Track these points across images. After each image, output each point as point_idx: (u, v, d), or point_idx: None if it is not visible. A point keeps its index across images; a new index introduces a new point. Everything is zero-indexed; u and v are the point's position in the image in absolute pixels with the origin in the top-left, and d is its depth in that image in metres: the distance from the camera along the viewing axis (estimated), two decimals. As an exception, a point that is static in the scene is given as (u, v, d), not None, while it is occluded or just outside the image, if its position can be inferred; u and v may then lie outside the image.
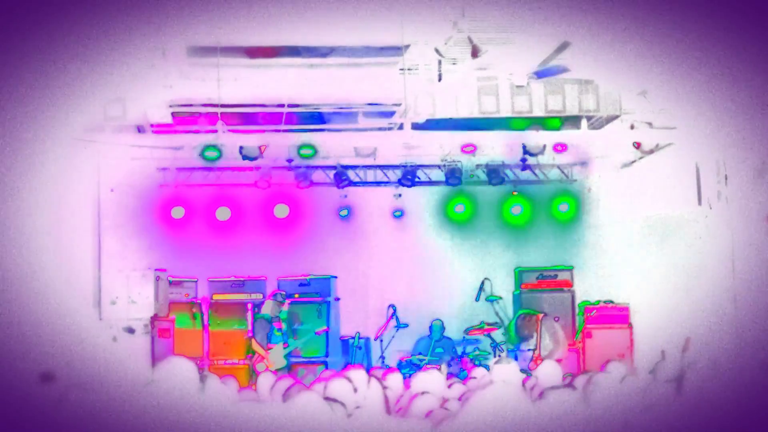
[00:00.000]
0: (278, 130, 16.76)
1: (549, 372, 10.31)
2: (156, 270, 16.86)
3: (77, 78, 12.27)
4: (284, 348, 17.36)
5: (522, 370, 16.18)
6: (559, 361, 15.68)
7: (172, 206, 18.83)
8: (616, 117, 15.86)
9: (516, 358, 17.37)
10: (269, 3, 12.09)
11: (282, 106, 16.06)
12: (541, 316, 17.34)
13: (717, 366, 8.60)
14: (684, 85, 13.07)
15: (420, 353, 18.13)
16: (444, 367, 15.68)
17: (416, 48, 13.96)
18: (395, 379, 10.84)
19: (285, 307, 17.71)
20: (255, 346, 17.41)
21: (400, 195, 19.81)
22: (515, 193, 19.79)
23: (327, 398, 6.24)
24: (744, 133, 13.01)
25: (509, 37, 13.38)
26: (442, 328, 18.48)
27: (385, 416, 7.88)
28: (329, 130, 16.86)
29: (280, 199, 19.25)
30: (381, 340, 18.32)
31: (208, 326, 18.34)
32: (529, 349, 17.75)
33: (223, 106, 14.78)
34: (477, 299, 18.43)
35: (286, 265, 19.29)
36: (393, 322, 18.36)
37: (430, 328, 18.46)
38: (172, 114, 15.85)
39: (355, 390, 8.30)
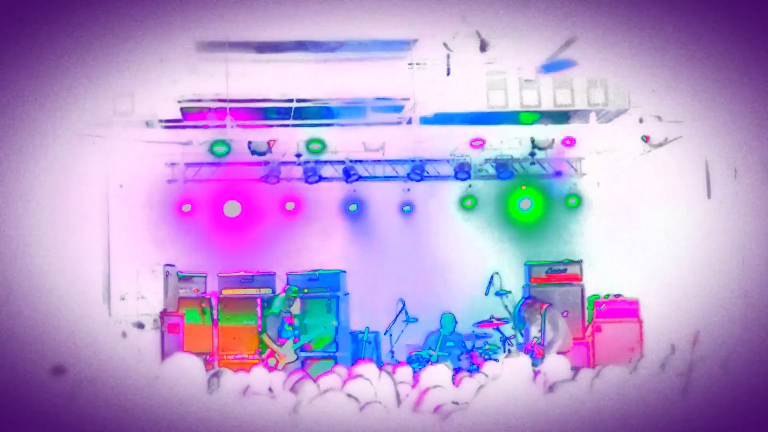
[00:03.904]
0: (287, 125, 16.78)
1: (557, 366, 10.30)
2: (165, 265, 16.90)
3: (86, 73, 12.28)
4: (295, 342, 17.38)
5: (529, 353, 16.23)
6: (565, 353, 15.70)
7: (180, 202, 18.84)
8: (625, 111, 15.85)
9: (525, 351, 17.39)
10: (277, -2, 12.10)
11: (291, 101, 16.07)
12: (545, 305, 17.29)
13: (726, 360, 8.59)
14: (693, 78, 13.05)
15: (430, 347, 18.14)
16: (449, 362, 15.68)
17: (425, 42, 13.96)
18: (405, 374, 10.85)
19: (297, 302, 17.73)
20: (266, 341, 17.42)
21: (408, 189, 19.80)
22: (524, 187, 19.78)
23: (340, 393, 6.25)
24: (754, 127, 12.99)
25: (518, 32, 13.36)
26: (455, 321, 18.50)
27: (395, 410, 7.88)
28: (338, 124, 16.88)
29: (288, 194, 19.27)
30: (390, 335, 18.33)
31: (217, 321, 18.36)
32: (534, 337, 17.75)
33: (231, 101, 14.80)
34: (486, 293, 18.40)
35: (296, 259, 19.31)
36: (402, 317, 18.37)
37: (441, 321, 18.46)
38: (181, 109, 15.86)
39: (368, 385, 8.32)
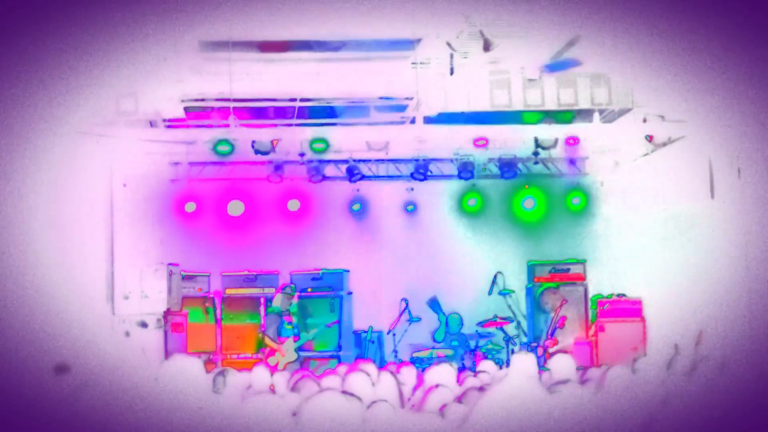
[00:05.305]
0: (290, 125, 16.77)
1: (563, 365, 10.30)
2: (169, 264, 16.90)
3: (89, 72, 12.29)
4: (295, 341, 17.37)
5: (534, 350, 16.25)
6: (569, 352, 15.70)
7: (184, 201, 18.85)
8: (629, 110, 15.84)
9: (528, 346, 17.42)
10: (281, -3, 12.10)
11: (294, 100, 16.06)
12: (565, 301, 17.31)
13: (730, 359, 8.58)
14: (697, 77, 13.04)
15: (434, 347, 18.15)
16: (454, 362, 15.66)
17: (428, 42, 13.94)
18: (409, 373, 10.84)
19: (295, 300, 17.73)
20: (267, 341, 17.42)
21: (412, 189, 19.80)
22: (527, 186, 19.79)
23: (343, 392, 6.24)
24: (757, 126, 12.98)
25: (521, 31, 13.35)
26: (461, 323, 18.49)
27: (399, 411, 7.87)
28: (341, 124, 16.87)
29: (292, 193, 19.28)
30: (394, 334, 18.32)
31: (220, 321, 18.37)
32: (541, 330, 17.79)
33: (235, 100, 14.79)
34: (490, 293, 18.42)
35: (299, 259, 19.32)
36: (406, 316, 18.37)
37: (447, 320, 18.45)
38: (185, 108, 15.86)
39: (372, 384, 8.31)
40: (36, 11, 10.76)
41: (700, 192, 15.49)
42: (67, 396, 6.49)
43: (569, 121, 16.50)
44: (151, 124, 15.97)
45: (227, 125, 15.04)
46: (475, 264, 19.89)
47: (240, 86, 14.61)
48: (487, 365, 12.23)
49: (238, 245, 19.42)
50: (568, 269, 18.83)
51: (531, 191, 19.87)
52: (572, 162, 19.97)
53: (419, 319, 18.44)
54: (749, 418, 6.87)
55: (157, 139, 16.42)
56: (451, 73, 14.66)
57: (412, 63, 14.63)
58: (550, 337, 17.24)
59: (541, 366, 11.98)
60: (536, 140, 16.45)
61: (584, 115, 16.14)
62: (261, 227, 19.63)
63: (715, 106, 13.58)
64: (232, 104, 14.79)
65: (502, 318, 18.03)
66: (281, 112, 16.72)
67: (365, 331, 18.64)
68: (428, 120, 15.72)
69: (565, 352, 15.38)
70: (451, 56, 14.41)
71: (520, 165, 19.33)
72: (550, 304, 17.39)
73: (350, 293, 18.99)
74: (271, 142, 15.78)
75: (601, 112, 15.88)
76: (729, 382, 7.63)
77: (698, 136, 15.17)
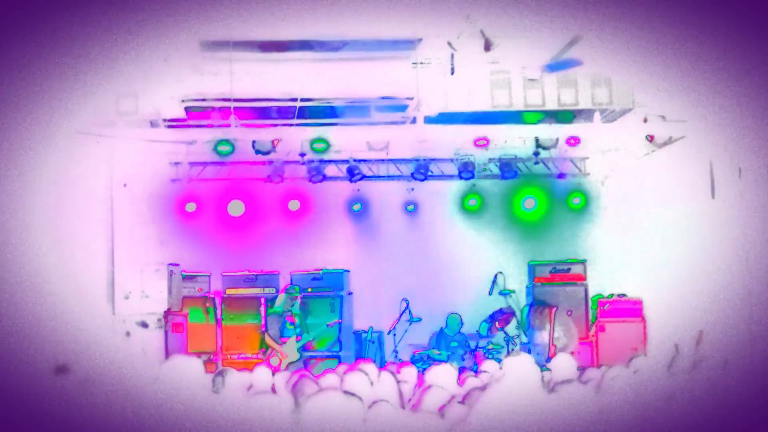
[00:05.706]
0: (291, 125, 16.77)
1: (563, 365, 10.30)
2: (169, 264, 16.89)
3: (90, 73, 12.28)
4: (297, 342, 17.37)
5: (537, 362, 16.24)
6: (572, 353, 15.71)
7: (184, 201, 18.85)
8: (630, 110, 15.83)
9: (529, 352, 17.38)
10: (281, -3, 12.09)
11: (295, 100, 16.05)
12: (554, 309, 17.30)
13: (730, 359, 8.58)
14: (697, 77, 13.03)
15: (434, 347, 18.12)
16: (455, 363, 15.64)
17: (428, 42, 13.94)
18: (410, 373, 10.83)
19: (298, 301, 17.74)
20: (268, 341, 17.42)
21: (412, 189, 19.81)
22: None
23: (344, 392, 6.24)
24: (758, 127, 12.97)
25: (522, 31, 13.33)
26: (461, 323, 18.47)
27: (399, 411, 7.87)
28: (342, 124, 16.86)
29: (292, 193, 19.29)
30: (394, 334, 18.31)
31: (221, 321, 18.37)
32: (540, 343, 17.76)
33: (236, 100, 14.78)
34: (490, 293, 18.41)
35: (299, 259, 19.32)
36: (406, 316, 18.35)
37: (447, 321, 18.43)
38: (185, 108, 15.85)
39: (371, 384, 8.31)
40: (36, 11, 10.76)
41: (700, 192, 15.48)
42: (68, 396, 6.50)
43: (570, 121, 16.50)
44: (152, 124, 15.96)
45: (228, 125, 15.03)
46: (475, 264, 19.88)
47: (241, 86, 14.60)
48: (489, 365, 12.22)
49: (239, 245, 19.43)
50: (569, 269, 18.83)
51: (531, 191, 19.87)
52: (573, 162, 19.97)
53: (419, 320, 18.42)
54: (750, 418, 6.87)
55: (158, 139, 16.40)
56: (452, 73, 14.65)
57: (413, 63, 14.62)
58: (551, 354, 17.23)
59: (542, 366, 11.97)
60: (536, 140, 16.45)
61: (585, 115, 16.13)
62: (261, 227, 19.64)
63: (715, 106, 13.58)
64: (232, 104, 14.78)
65: (501, 315, 18.01)
66: (282, 112, 16.71)
67: (365, 331, 18.65)
68: (429, 120, 15.70)
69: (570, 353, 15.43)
70: (452, 56, 14.39)
71: (520, 165, 19.34)
72: (539, 321, 17.38)
73: (350, 293, 18.99)
74: (272, 142, 15.79)
75: (601, 112, 15.87)
76: (729, 381, 7.63)
77: (699, 136, 15.16)
